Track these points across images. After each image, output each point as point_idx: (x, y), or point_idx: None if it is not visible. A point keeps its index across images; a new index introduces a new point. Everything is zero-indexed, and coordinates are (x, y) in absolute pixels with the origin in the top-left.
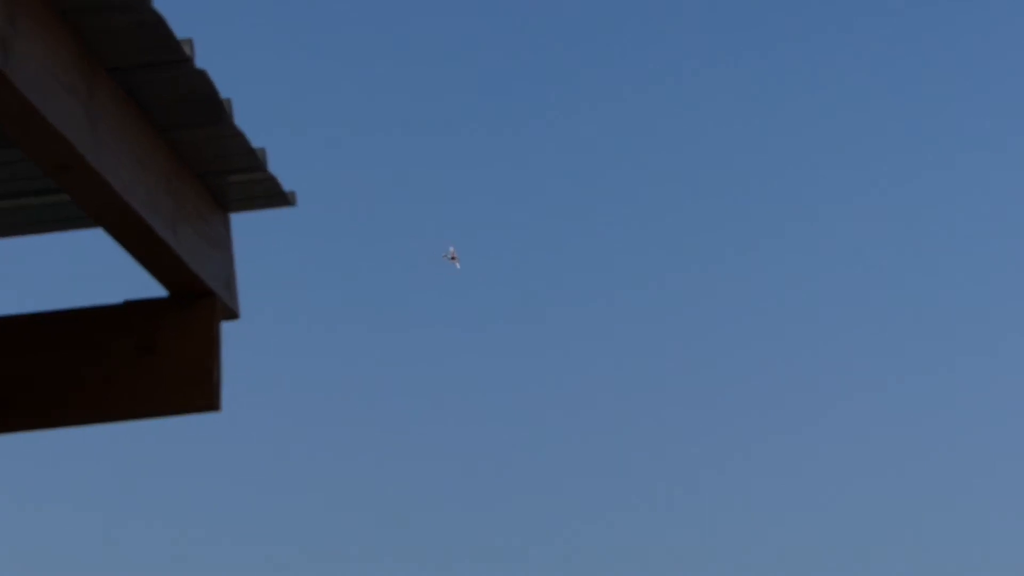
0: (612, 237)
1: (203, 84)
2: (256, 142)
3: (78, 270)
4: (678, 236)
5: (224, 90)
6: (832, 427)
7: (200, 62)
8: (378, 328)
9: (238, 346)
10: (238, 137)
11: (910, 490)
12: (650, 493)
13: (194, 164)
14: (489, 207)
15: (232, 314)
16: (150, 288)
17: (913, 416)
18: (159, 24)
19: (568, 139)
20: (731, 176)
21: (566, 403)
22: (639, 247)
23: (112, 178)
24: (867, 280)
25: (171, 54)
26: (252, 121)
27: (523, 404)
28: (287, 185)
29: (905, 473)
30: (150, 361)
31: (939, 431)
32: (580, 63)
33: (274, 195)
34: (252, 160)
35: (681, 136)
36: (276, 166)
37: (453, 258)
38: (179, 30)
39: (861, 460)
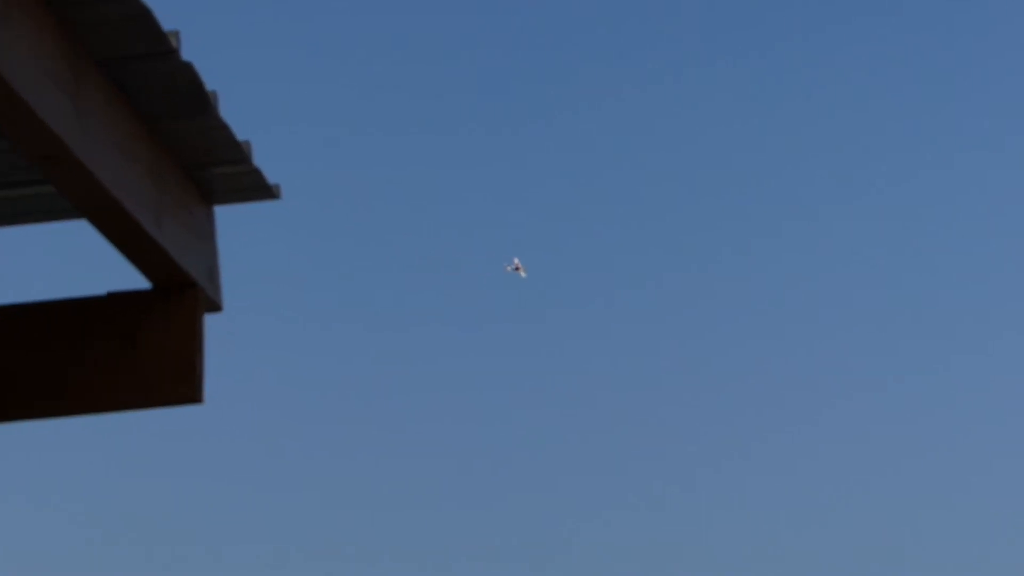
0: (610, 237)
1: (189, 76)
2: (250, 137)
3: (61, 262)
4: (676, 235)
5: (217, 84)
6: (830, 426)
7: (191, 56)
8: (373, 327)
9: (222, 339)
10: (223, 129)
11: (908, 489)
12: (647, 492)
13: (179, 156)
14: (486, 206)
15: (215, 306)
16: (133, 280)
17: (912, 415)
18: (146, 16)
19: (567, 139)
20: (729, 176)
21: (564, 402)
22: (637, 247)
23: (97, 169)
24: (865, 279)
25: (158, 46)
26: (246, 116)
27: (520, 403)
28: (280, 179)
29: (903, 472)
30: (133, 353)
31: (937, 430)
32: (579, 62)
33: (259, 188)
34: (237, 152)
35: (680, 135)
36: (270, 161)
37: (518, 268)
38: (172, 23)
39: (859, 459)
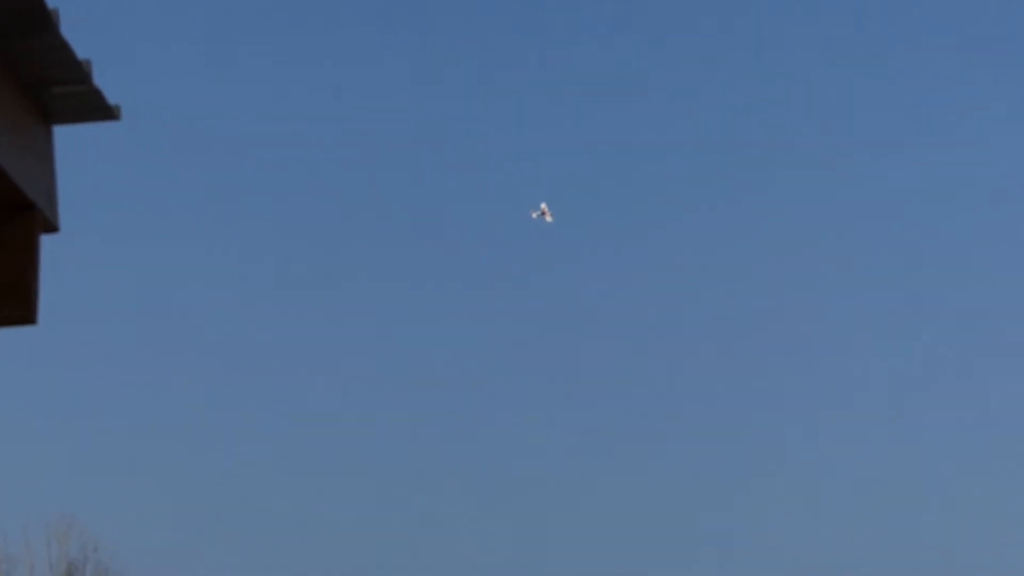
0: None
1: None
2: (91, 53)
3: None
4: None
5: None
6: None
7: None
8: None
9: (58, 260)
10: (63, 48)
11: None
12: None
13: (19, 75)
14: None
15: (52, 227)
16: None
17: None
18: None
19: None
20: (724, 164)
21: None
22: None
23: None
24: (869, 279)
25: None
26: (94, 37)
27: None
28: (121, 99)
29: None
30: None
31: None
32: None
33: (98, 108)
34: (77, 72)
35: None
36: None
37: (544, 213)
38: None
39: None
